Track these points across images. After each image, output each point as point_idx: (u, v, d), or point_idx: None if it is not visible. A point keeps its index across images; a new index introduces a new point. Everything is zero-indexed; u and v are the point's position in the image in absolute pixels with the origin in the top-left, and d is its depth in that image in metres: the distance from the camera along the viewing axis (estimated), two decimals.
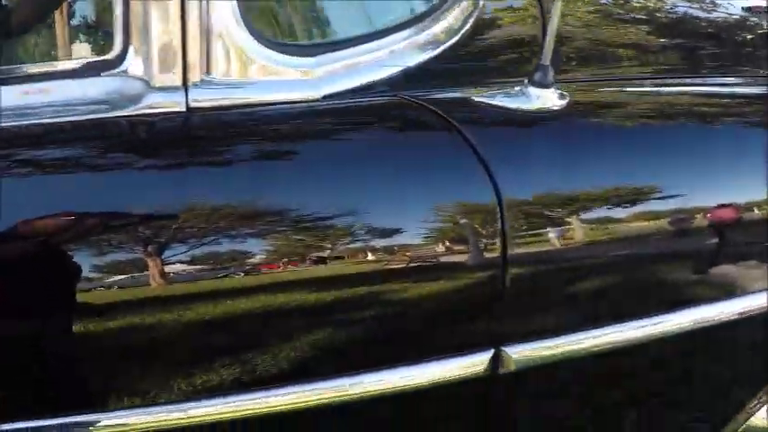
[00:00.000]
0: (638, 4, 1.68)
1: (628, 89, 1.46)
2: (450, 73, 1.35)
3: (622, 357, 1.27)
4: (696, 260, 1.34)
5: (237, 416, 1.08)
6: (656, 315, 1.28)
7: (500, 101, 1.27)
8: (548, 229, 1.22)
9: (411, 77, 1.31)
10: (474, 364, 1.19)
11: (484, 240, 1.17)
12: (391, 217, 1.15)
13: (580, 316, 1.25)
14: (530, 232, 1.20)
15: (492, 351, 1.19)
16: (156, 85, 1.15)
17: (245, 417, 1.09)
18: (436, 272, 1.16)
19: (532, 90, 1.27)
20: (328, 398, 1.11)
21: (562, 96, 1.29)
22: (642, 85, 1.50)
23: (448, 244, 1.17)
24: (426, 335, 1.17)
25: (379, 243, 1.13)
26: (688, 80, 1.56)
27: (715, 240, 1.33)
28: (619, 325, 1.25)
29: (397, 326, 1.15)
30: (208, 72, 1.18)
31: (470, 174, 1.17)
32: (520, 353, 1.21)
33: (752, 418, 1.46)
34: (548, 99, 1.27)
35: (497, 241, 1.17)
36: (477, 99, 1.28)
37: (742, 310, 1.36)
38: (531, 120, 1.27)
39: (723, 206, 1.33)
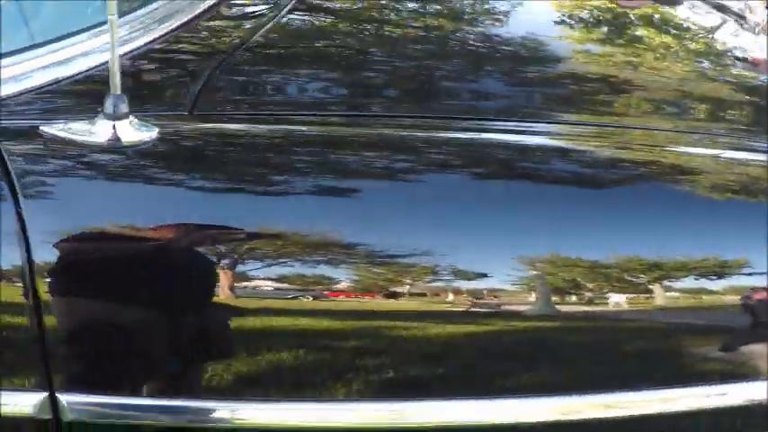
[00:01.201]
0: None
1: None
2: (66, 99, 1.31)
3: None
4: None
5: None
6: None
7: (65, 133, 1.19)
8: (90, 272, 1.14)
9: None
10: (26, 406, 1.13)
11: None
12: None
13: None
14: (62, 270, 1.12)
15: (46, 395, 1.13)
16: None
17: None
18: None
19: (102, 122, 1.19)
20: None
21: (147, 128, 1.21)
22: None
23: None
24: None
25: None
26: None
27: None
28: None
29: None
30: None
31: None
32: (75, 403, 1.14)
33: None
34: (120, 132, 1.18)
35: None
36: (47, 131, 1.20)
37: None
38: (77, 155, 1.18)
39: None
